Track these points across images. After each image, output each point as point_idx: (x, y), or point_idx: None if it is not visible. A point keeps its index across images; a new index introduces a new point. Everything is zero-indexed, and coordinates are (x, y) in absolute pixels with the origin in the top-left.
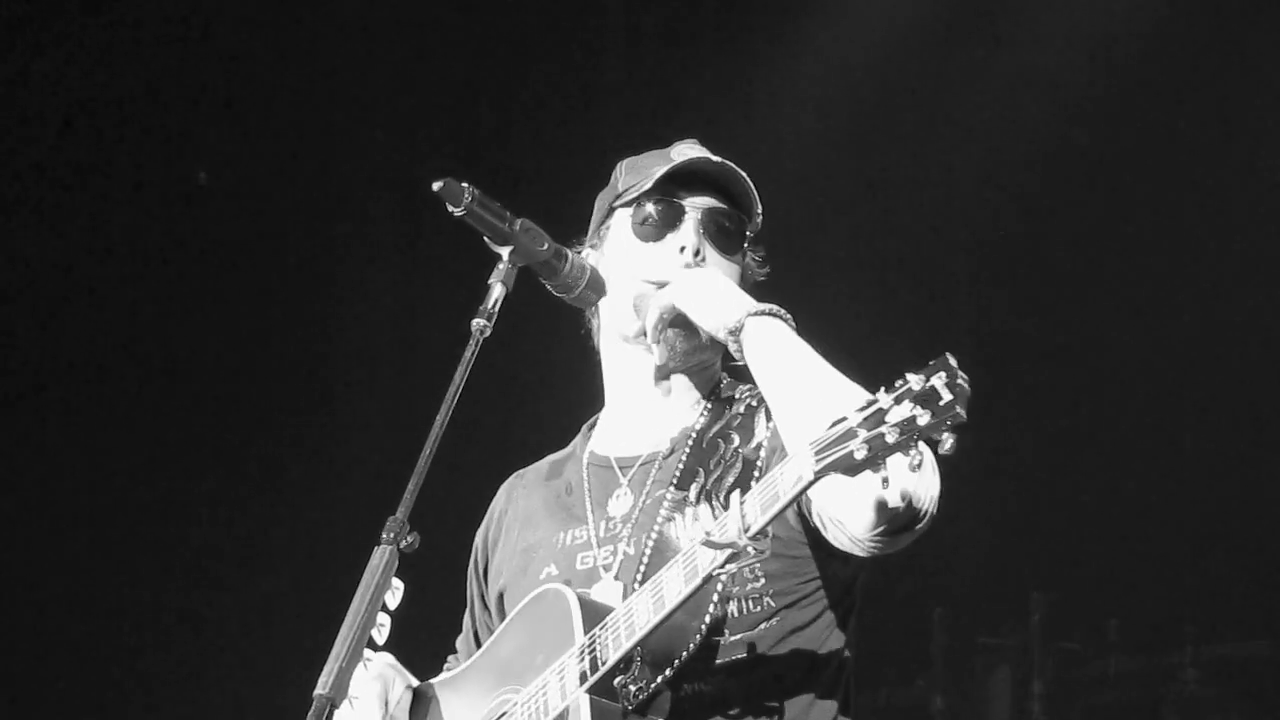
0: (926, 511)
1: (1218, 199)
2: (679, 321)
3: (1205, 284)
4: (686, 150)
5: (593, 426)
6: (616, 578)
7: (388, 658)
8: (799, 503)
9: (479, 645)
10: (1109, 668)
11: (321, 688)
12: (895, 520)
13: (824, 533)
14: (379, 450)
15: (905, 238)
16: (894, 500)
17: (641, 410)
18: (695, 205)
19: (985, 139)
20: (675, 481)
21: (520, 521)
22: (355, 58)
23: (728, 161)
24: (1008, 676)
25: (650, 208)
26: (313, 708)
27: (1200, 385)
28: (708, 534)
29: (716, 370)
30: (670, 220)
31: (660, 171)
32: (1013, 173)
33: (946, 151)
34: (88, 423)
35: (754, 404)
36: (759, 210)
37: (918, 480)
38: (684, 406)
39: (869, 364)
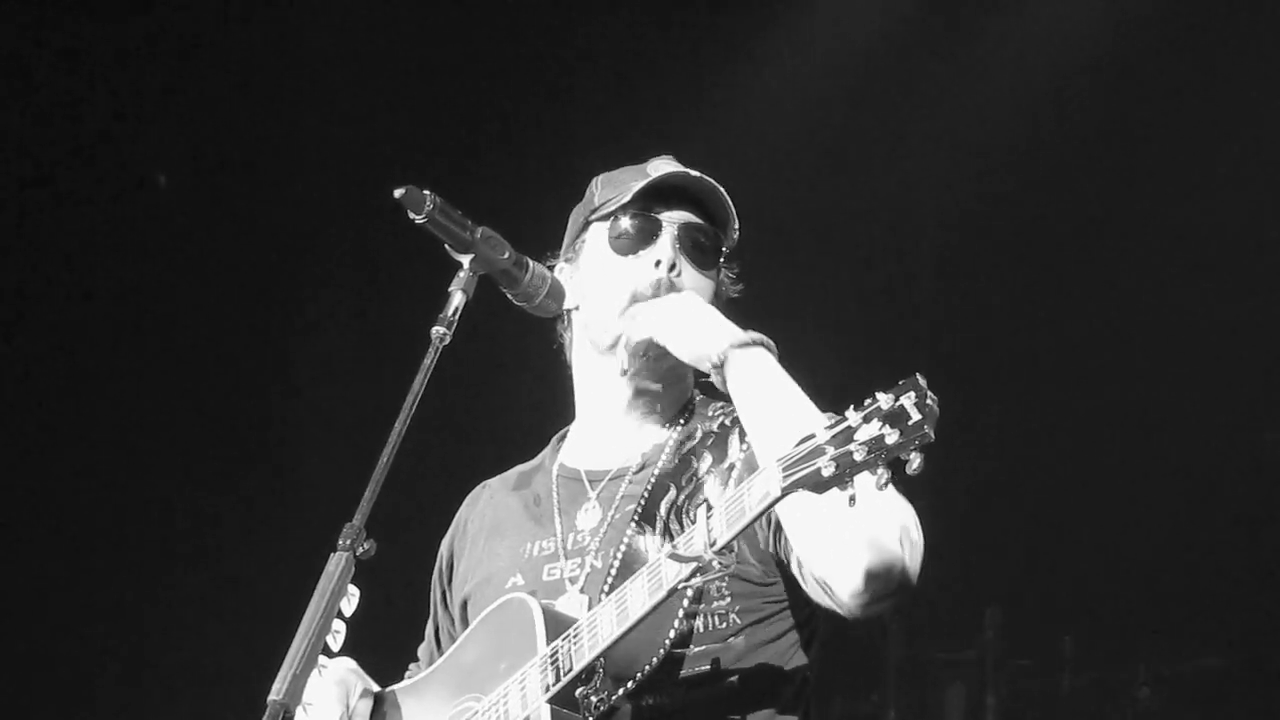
0: (911, 579)
1: (1178, 219)
2: (654, 349)
3: (1160, 303)
4: (663, 165)
5: (563, 439)
6: (582, 590)
7: (349, 663)
8: (779, 551)
9: (441, 653)
10: (1063, 683)
11: (275, 694)
12: (880, 588)
13: (803, 586)
14: (337, 457)
15: (868, 252)
16: (881, 566)
17: (613, 425)
18: (672, 220)
19: (951, 148)
20: (645, 497)
21: (486, 531)
22: (317, 63)
23: (705, 176)
24: (962, 691)
25: (626, 222)
26: (266, 713)
27: (1155, 403)
28: (674, 547)
29: (689, 386)
30: (646, 235)
31: (638, 186)
32: (977, 183)
33: (911, 160)
34: (42, 429)
35: (728, 423)
36: (736, 226)
37: (909, 550)
38: (656, 422)
39: (831, 379)
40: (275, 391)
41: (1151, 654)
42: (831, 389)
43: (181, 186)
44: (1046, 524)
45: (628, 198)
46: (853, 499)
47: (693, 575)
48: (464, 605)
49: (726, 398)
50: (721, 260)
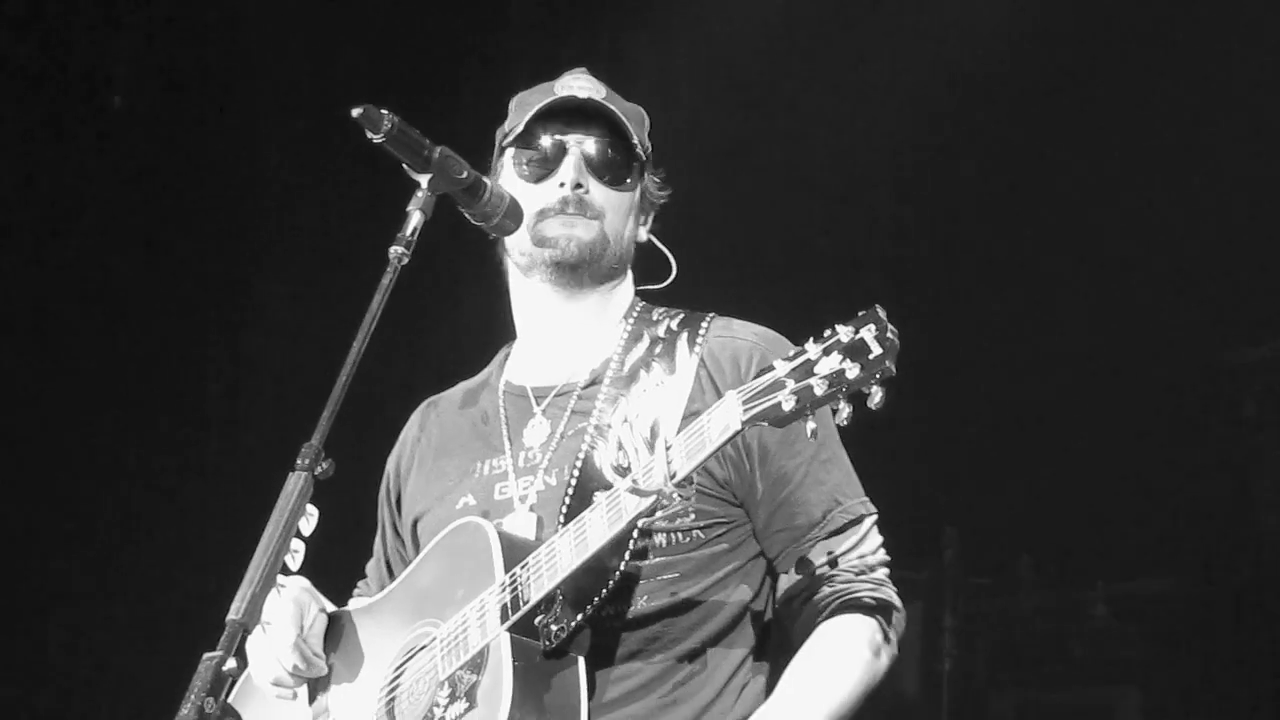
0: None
1: (1137, 137)
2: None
3: (1118, 222)
4: (570, 82)
5: (509, 355)
6: (532, 509)
7: (303, 582)
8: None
9: (390, 572)
10: (1020, 603)
11: (234, 613)
12: None
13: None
14: (295, 377)
15: (828, 173)
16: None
17: (554, 339)
18: (576, 141)
19: (912, 67)
20: (597, 413)
21: (434, 450)
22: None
23: (601, 92)
24: (919, 611)
25: (530, 148)
26: (225, 632)
27: (1112, 322)
28: (634, 481)
29: (627, 292)
30: (551, 159)
31: (532, 112)
32: (937, 104)
33: (873, 79)
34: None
35: (674, 327)
36: (647, 132)
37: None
38: (598, 333)
39: (792, 305)
40: (233, 312)
41: (1108, 572)
42: (792, 316)
43: (136, 107)
44: (1003, 444)
45: (521, 126)
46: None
47: (653, 508)
48: (414, 525)
49: (669, 302)
50: (638, 170)
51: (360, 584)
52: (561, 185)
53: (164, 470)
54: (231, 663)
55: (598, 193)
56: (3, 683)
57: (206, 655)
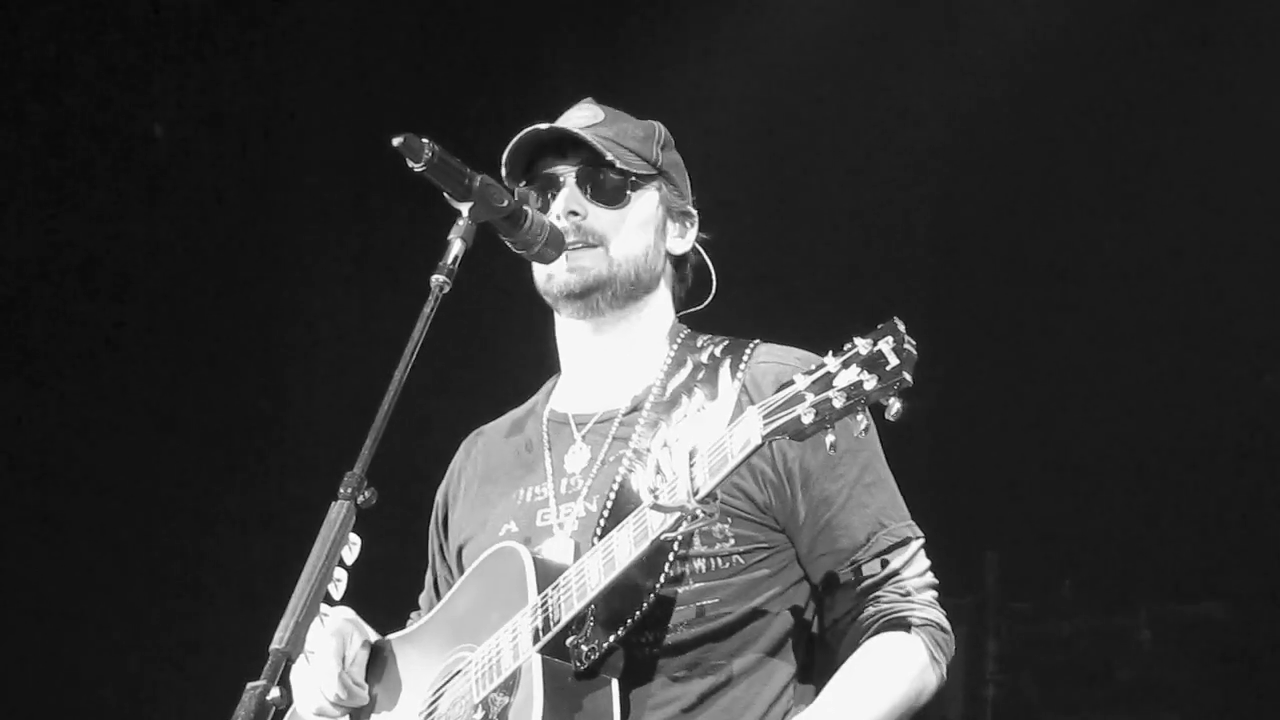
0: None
1: (1178, 159)
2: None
3: (1162, 243)
4: (570, 113)
5: (555, 385)
6: (572, 535)
7: (347, 612)
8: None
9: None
10: (1063, 628)
11: (278, 642)
12: None
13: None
14: (338, 406)
15: (862, 188)
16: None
17: (593, 366)
18: (568, 170)
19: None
20: (638, 438)
21: (480, 478)
22: (315, 12)
23: (596, 117)
24: (962, 636)
25: (530, 186)
26: (269, 662)
27: (1153, 344)
28: (656, 497)
29: (666, 319)
30: (546, 191)
31: (506, 153)
32: (976, 120)
33: (910, 95)
34: (35, 377)
35: (718, 354)
36: (658, 145)
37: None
38: (638, 357)
39: (824, 319)
40: (277, 342)
41: (1153, 597)
42: (831, 334)
43: (179, 137)
44: (1047, 467)
45: (505, 170)
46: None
47: (677, 524)
48: (459, 553)
49: (712, 329)
50: (636, 188)
51: (413, 615)
52: (558, 218)
53: (208, 498)
54: (275, 692)
55: (597, 217)
56: (40, 712)
57: (250, 685)
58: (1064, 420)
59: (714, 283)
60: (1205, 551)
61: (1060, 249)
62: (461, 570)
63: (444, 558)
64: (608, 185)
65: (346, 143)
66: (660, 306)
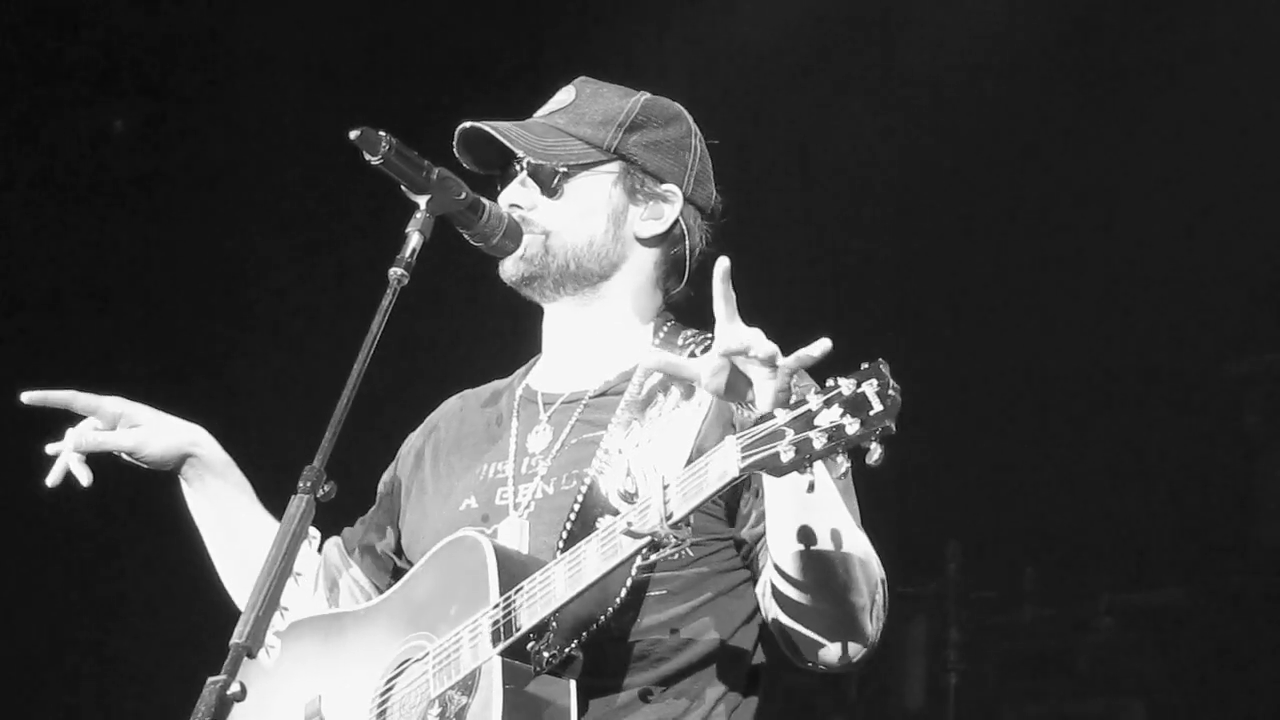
0: (871, 653)
1: (1142, 156)
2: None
3: (1119, 235)
4: (554, 99)
5: (536, 362)
6: (526, 516)
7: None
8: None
9: (369, 550)
10: (1025, 616)
11: (238, 636)
12: (842, 666)
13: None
14: (296, 400)
15: (830, 195)
16: (850, 652)
17: (567, 349)
18: (515, 165)
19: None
20: (607, 429)
21: (450, 444)
22: (270, 4)
23: (562, 103)
24: (924, 626)
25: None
26: (229, 656)
27: (1115, 329)
28: (629, 523)
29: (646, 308)
30: (499, 187)
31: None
32: (940, 122)
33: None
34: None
35: (697, 353)
36: (579, 132)
37: (876, 628)
38: (614, 344)
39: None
40: (233, 335)
41: (1113, 584)
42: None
43: (137, 130)
44: (1005, 457)
45: (464, 166)
46: (811, 486)
47: (648, 549)
48: (416, 518)
49: (698, 324)
50: (572, 176)
51: (333, 538)
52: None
53: (164, 495)
54: (236, 686)
55: (539, 208)
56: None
57: (210, 679)
58: (1024, 409)
59: (688, 270)
60: (1164, 539)
61: (1021, 242)
62: (415, 536)
63: (391, 504)
64: (541, 176)
65: (302, 135)
66: (627, 292)
